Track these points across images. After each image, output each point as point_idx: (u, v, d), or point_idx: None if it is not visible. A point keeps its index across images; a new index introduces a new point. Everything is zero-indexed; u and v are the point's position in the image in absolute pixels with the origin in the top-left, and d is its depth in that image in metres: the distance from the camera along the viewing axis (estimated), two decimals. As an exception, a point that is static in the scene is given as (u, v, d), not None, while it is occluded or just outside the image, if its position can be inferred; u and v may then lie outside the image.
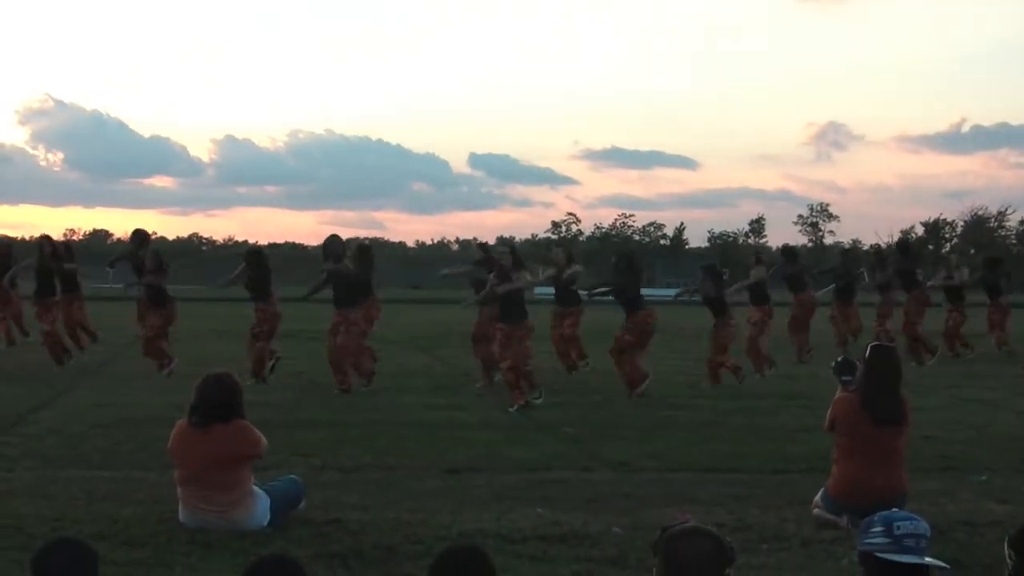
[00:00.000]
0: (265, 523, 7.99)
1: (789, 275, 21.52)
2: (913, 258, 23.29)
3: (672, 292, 23.68)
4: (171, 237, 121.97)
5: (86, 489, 9.18)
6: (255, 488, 8.11)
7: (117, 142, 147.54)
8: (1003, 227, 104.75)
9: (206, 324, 27.07)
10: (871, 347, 8.71)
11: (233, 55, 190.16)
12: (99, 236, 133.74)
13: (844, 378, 8.65)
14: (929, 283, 22.01)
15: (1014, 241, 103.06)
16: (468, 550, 4.13)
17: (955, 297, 21.76)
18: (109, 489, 9.21)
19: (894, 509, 4.40)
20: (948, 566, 4.63)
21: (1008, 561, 4.22)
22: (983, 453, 11.48)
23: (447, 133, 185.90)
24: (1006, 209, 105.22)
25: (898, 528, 4.08)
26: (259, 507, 8.03)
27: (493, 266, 15.49)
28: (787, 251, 24.16)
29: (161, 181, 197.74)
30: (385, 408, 14.44)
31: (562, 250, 18.53)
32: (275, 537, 7.71)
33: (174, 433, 8.26)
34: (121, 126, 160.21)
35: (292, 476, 8.88)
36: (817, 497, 8.55)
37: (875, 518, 4.17)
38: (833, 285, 22.69)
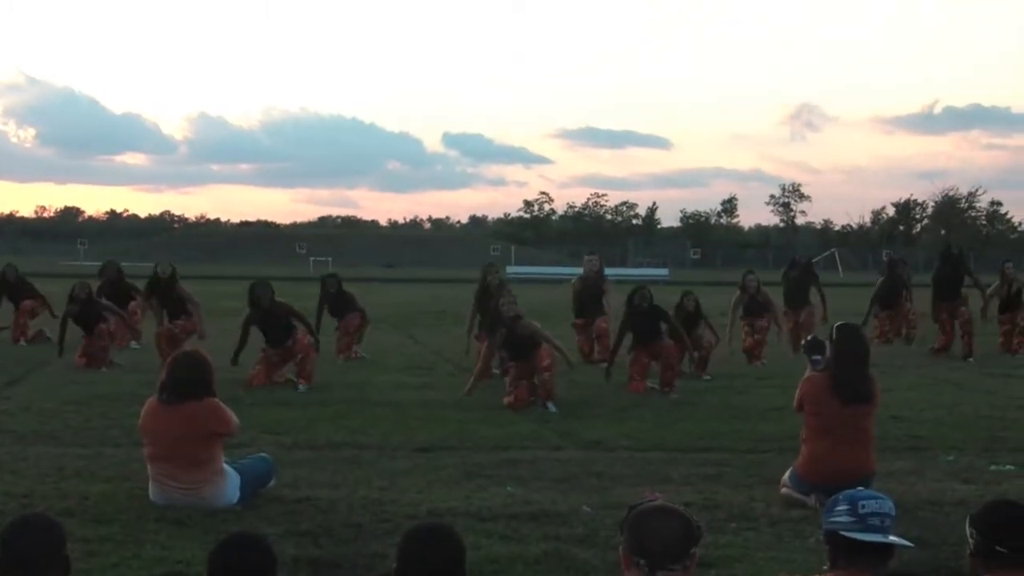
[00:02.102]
0: (235, 501, 8.00)
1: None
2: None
3: (644, 271, 23.44)
4: (143, 215, 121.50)
5: (56, 466, 9.17)
6: (225, 466, 8.12)
7: (89, 118, 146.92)
8: (973, 208, 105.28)
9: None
10: (837, 327, 8.75)
11: (207, 32, 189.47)
12: (71, 213, 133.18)
13: (814, 357, 8.70)
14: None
15: (984, 222, 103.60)
16: (436, 527, 4.15)
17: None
18: (79, 466, 9.19)
19: (859, 488, 4.44)
20: (912, 545, 4.68)
21: (969, 540, 4.26)
22: (951, 433, 11.55)
23: (421, 112, 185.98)
24: (976, 190, 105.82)
25: (863, 507, 4.12)
26: (229, 485, 8.03)
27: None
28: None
29: (133, 158, 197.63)
30: (358, 387, 14.43)
31: (596, 258, 18.60)
32: (245, 515, 7.73)
33: (144, 410, 8.26)
34: (93, 103, 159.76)
35: (262, 454, 8.90)
36: (785, 476, 8.60)
37: (840, 497, 4.22)
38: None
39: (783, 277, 19.88)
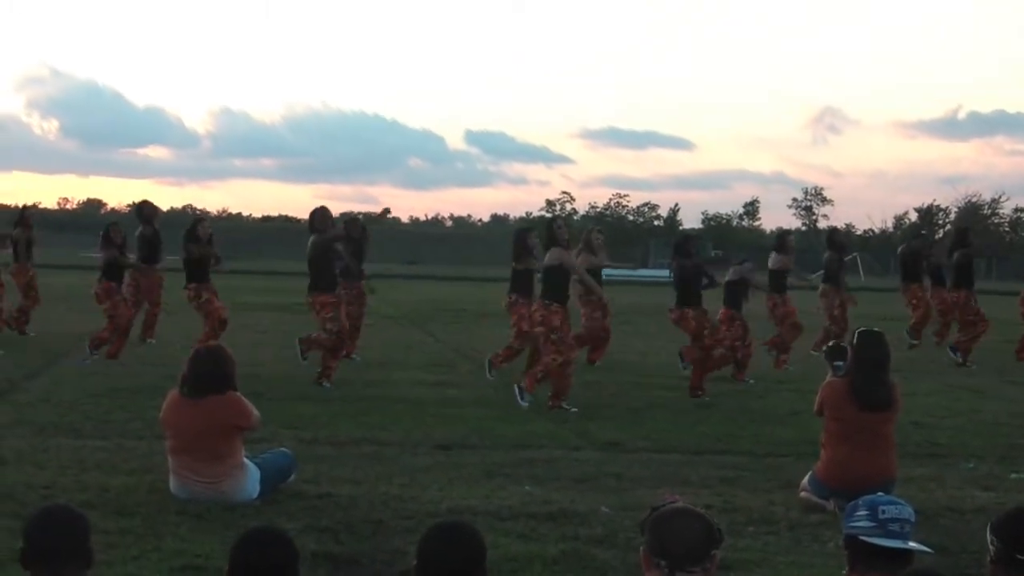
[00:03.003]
0: (255, 496, 8.04)
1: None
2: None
3: (665, 272, 23.01)
4: (165, 208, 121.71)
5: (77, 458, 9.22)
6: (246, 460, 8.15)
7: (112, 111, 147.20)
8: (996, 214, 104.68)
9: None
10: (858, 332, 8.74)
11: (230, 27, 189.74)
12: (93, 205, 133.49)
13: (835, 363, 8.70)
14: None
15: (1007, 229, 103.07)
16: (457, 525, 4.16)
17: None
18: (100, 458, 9.25)
19: (880, 494, 4.44)
20: (932, 551, 4.68)
21: (990, 547, 4.26)
22: (971, 440, 11.53)
23: (443, 109, 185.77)
24: (1000, 196, 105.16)
25: (883, 512, 4.13)
26: (249, 479, 8.07)
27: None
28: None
29: (156, 151, 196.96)
30: (378, 384, 14.46)
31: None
32: (265, 510, 7.76)
33: (166, 403, 8.30)
34: (116, 96, 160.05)
35: (283, 449, 8.93)
36: (805, 481, 8.61)
37: (860, 502, 4.22)
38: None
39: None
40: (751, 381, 15.66)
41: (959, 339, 19.12)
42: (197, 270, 15.93)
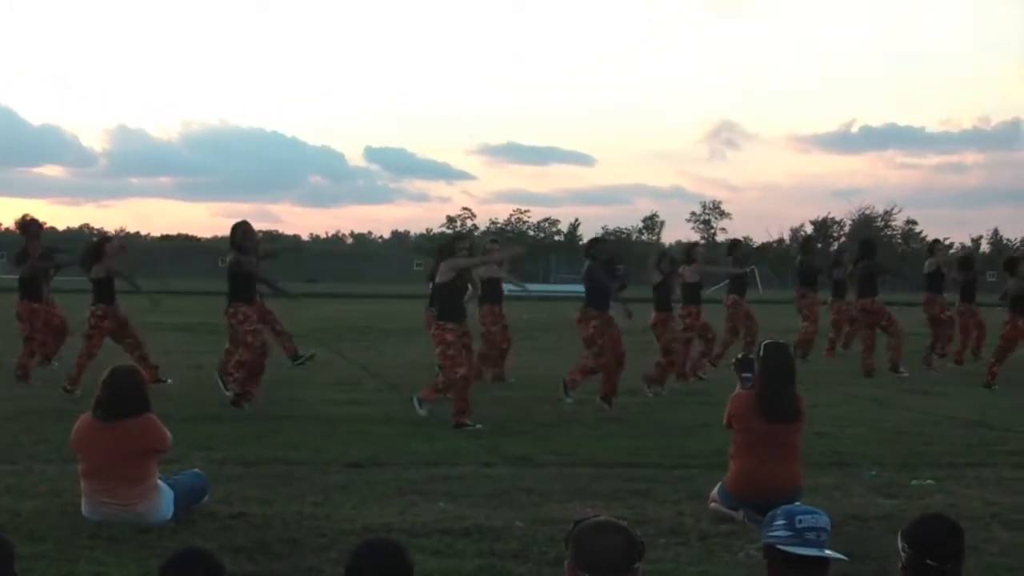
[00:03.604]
0: (169, 516, 8.00)
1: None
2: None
3: (566, 287, 23.33)
4: (61, 227, 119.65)
5: (-14, 482, 9.11)
6: (159, 482, 8.11)
7: (6, 130, 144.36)
8: (889, 226, 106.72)
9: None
10: (764, 345, 8.89)
11: (125, 44, 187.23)
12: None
13: (744, 375, 8.86)
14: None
15: (900, 240, 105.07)
16: (384, 542, 4.21)
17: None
18: (9, 482, 9.13)
19: (796, 503, 4.56)
20: (847, 558, 4.82)
21: (901, 553, 4.40)
22: (873, 449, 11.77)
23: (343, 125, 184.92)
24: (892, 208, 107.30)
25: (800, 522, 4.26)
26: (163, 501, 8.03)
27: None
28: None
29: (51, 170, 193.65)
30: (286, 402, 14.39)
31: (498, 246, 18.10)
32: (179, 531, 7.73)
33: (77, 426, 8.22)
34: (10, 114, 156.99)
35: (195, 470, 8.88)
36: (714, 492, 8.74)
37: (778, 511, 4.35)
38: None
39: None
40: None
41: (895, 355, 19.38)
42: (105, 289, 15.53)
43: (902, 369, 19.06)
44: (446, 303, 13.18)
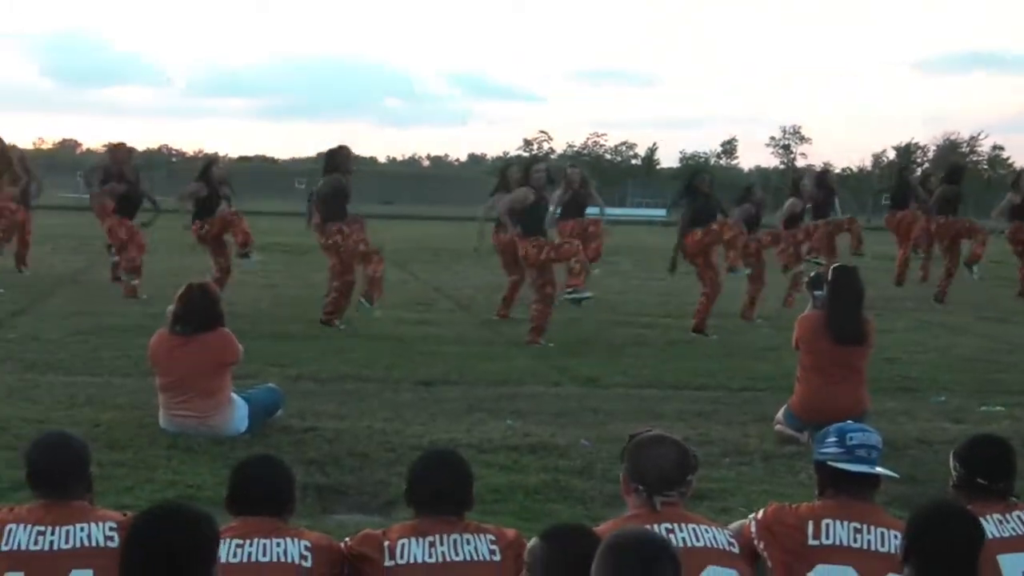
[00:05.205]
0: (243, 429, 8.20)
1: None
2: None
3: (643, 211, 23.03)
4: (140, 148, 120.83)
5: (68, 393, 9.37)
6: (234, 395, 8.31)
7: (89, 52, 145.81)
8: (975, 152, 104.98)
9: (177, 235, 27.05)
10: (834, 268, 8.91)
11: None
12: (68, 145, 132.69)
13: (815, 292, 8.88)
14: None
15: (986, 167, 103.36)
16: (446, 452, 4.35)
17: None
18: (90, 394, 9.39)
19: (849, 421, 4.62)
20: (897, 476, 4.87)
21: (953, 472, 4.46)
22: (943, 375, 11.75)
23: (421, 49, 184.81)
24: (978, 134, 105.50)
25: (851, 439, 4.32)
26: (237, 414, 8.23)
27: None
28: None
29: (132, 91, 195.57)
30: (359, 322, 14.56)
31: (577, 171, 17.79)
32: (253, 443, 7.88)
33: (155, 341, 8.42)
34: (94, 36, 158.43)
35: (270, 384, 9.07)
36: (779, 414, 8.80)
37: (830, 429, 4.41)
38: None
39: None
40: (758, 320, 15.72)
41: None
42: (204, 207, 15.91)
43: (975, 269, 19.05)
44: (528, 222, 13.17)
